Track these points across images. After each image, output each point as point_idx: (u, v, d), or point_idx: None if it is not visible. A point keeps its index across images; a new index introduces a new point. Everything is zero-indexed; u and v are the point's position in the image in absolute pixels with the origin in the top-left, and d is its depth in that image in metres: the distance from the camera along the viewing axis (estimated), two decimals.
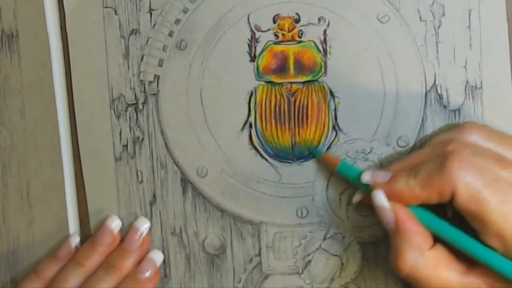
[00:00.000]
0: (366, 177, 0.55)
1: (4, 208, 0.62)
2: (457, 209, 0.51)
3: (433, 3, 0.57)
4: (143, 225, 0.60)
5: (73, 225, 0.61)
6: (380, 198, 0.53)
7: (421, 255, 0.52)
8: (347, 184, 0.59)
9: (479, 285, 0.51)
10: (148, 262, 0.60)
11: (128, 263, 0.59)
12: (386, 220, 0.53)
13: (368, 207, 0.59)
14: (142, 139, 0.60)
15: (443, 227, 0.53)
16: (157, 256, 0.60)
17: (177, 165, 0.60)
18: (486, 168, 0.50)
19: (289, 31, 0.59)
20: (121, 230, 0.60)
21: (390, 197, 0.53)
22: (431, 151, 0.54)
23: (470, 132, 0.54)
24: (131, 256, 0.59)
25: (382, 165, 0.59)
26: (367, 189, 0.55)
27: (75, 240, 0.61)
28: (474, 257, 0.51)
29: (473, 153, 0.51)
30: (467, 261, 0.52)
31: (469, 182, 0.50)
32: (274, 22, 0.59)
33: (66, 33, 0.60)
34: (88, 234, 0.61)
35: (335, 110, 0.59)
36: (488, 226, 0.50)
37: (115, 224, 0.60)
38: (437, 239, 0.53)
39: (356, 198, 0.58)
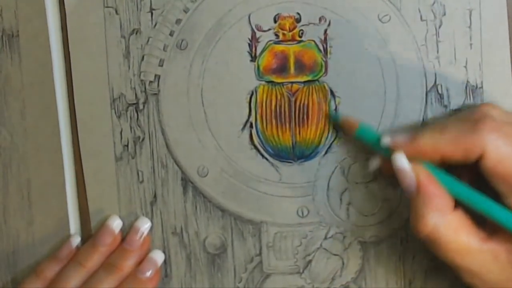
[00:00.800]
0: (386, 140, 0.54)
1: (5, 208, 0.62)
2: (484, 170, 0.51)
3: (434, 3, 0.57)
4: (144, 225, 0.60)
5: (74, 225, 0.61)
6: (401, 160, 0.53)
7: (442, 217, 0.51)
8: (348, 183, 0.59)
9: (499, 252, 0.51)
10: (149, 262, 0.60)
11: (129, 263, 0.59)
12: (407, 183, 0.53)
13: (369, 207, 0.60)
14: (143, 139, 0.60)
15: (465, 191, 0.52)
16: (158, 256, 0.60)
17: (177, 165, 0.60)
18: None
19: (290, 30, 0.59)
20: (121, 230, 0.60)
21: (410, 155, 0.53)
22: (458, 119, 0.54)
23: (489, 109, 0.54)
24: (132, 256, 0.59)
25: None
26: (387, 153, 0.54)
27: (76, 240, 0.61)
28: (497, 220, 0.51)
29: (504, 120, 0.51)
30: (487, 229, 0.52)
31: (500, 145, 0.50)
32: (275, 21, 0.59)
33: (67, 33, 0.60)
34: (88, 234, 0.61)
35: (335, 109, 0.59)
36: None
37: (116, 224, 0.60)
38: (457, 205, 0.53)
39: (374, 164, 0.57)
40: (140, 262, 0.60)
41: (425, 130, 0.53)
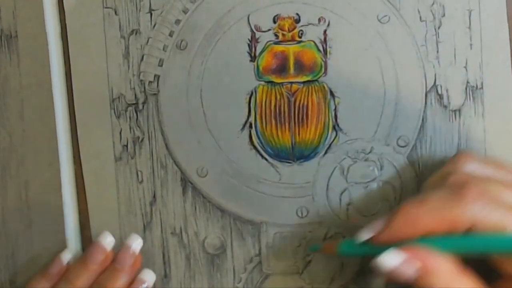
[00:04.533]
0: (362, 234, 0.52)
1: (3, 209, 0.62)
2: None
3: (433, 3, 0.57)
4: (135, 242, 0.60)
5: (72, 226, 0.61)
6: (392, 257, 0.48)
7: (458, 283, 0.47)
8: (348, 183, 0.59)
9: None
10: (139, 282, 0.59)
11: (119, 284, 0.58)
12: (408, 274, 0.48)
13: (369, 207, 0.60)
14: (142, 139, 0.60)
15: (464, 243, 0.48)
16: (149, 277, 0.60)
17: (177, 165, 0.60)
18: (500, 196, 0.47)
19: (289, 31, 0.59)
20: (113, 249, 0.60)
21: (390, 241, 0.49)
22: (436, 185, 0.51)
23: (466, 162, 0.52)
24: (122, 276, 0.58)
25: (382, 165, 0.59)
26: (377, 251, 0.50)
27: (66, 257, 0.60)
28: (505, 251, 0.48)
29: (484, 181, 0.49)
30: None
31: (488, 213, 0.47)
32: (274, 22, 0.59)
33: (66, 33, 0.60)
34: (88, 236, 0.61)
35: (335, 110, 0.59)
36: None
37: (108, 241, 0.59)
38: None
39: (378, 284, 0.56)
40: (131, 282, 0.59)
41: (402, 206, 0.50)
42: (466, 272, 0.48)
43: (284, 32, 0.59)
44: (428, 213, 0.48)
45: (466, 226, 0.47)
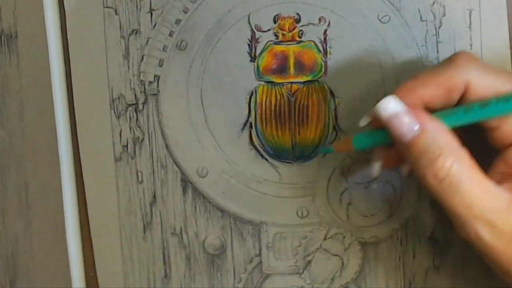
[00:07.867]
0: (364, 118, 0.52)
1: (3, 210, 0.62)
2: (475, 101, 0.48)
3: (433, 3, 0.57)
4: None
5: (72, 227, 0.61)
6: (393, 103, 0.48)
7: (457, 154, 0.46)
8: (348, 184, 0.59)
9: None
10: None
11: None
12: (405, 128, 0.47)
13: (369, 208, 0.60)
14: (142, 140, 0.60)
15: (461, 114, 0.48)
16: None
17: (177, 166, 0.60)
18: (489, 65, 0.49)
19: (290, 31, 0.59)
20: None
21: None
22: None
23: (464, 66, 0.50)
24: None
25: (382, 165, 0.59)
26: (385, 139, 0.51)
27: None
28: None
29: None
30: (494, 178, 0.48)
31: (482, 74, 0.47)
32: (275, 22, 0.59)
33: (66, 33, 0.60)
34: (87, 235, 0.61)
35: (335, 110, 0.59)
36: None
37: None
38: None
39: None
40: None
41: (399, 85, 0.50)
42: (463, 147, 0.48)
43: (284, 32, 0.59)
44: (423, 83, 0.49)
45: (460, 90, 0.48)
